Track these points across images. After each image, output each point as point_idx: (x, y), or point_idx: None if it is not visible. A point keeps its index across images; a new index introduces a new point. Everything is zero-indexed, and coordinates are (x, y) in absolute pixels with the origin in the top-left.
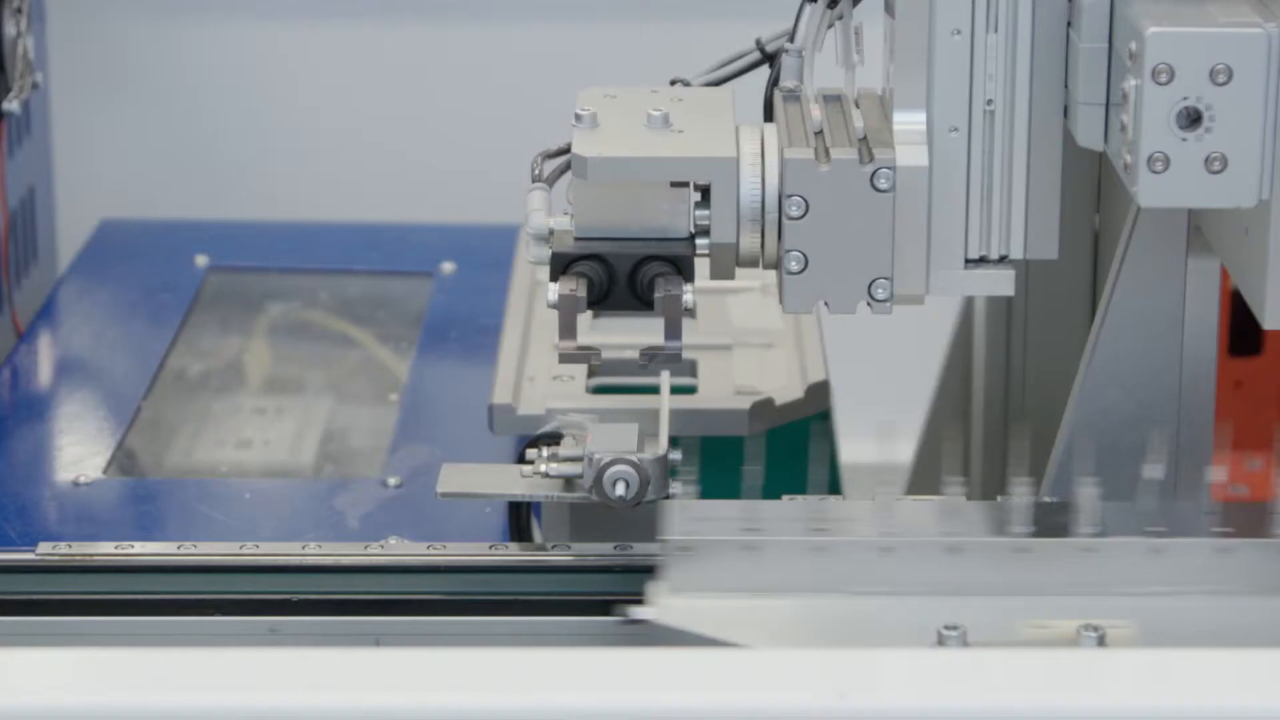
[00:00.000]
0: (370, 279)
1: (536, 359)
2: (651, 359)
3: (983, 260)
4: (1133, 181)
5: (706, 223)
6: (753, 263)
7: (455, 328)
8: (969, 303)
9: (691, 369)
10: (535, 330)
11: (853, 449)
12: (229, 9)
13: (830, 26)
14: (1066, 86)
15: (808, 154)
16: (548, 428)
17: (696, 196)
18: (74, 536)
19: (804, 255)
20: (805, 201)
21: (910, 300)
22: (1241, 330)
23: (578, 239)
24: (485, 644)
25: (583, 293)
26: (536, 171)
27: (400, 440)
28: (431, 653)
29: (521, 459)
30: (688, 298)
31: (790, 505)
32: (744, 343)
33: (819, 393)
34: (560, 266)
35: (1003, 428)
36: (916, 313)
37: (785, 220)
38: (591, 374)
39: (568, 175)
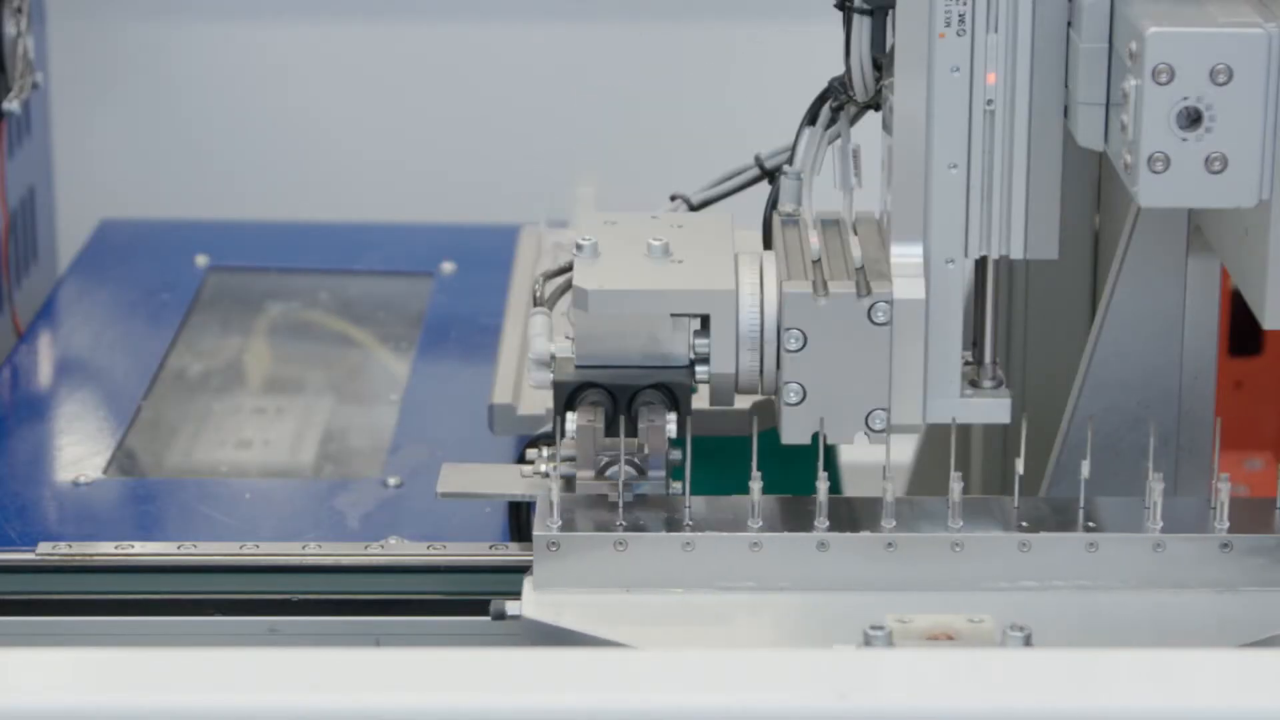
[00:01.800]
0: (370, 279)
1: None
2: (629, 487)
3: (976, 385)
4: (1133, 181)
5: (706, 351)
6: (752, 390)
7: (455, 328)
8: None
9: None
10: None
11: (853, 449)
12: (229, 9)
13: (830, 144)
14: (1066, 86)
15: (806, 288)
16: (548, 428)
17: (696, 325)
18: (74, 536)
19: (802, 387)
20: (804, 334)
21: (907, 430)
22: (1241, 330)
23: (579, 367)
24: (485, 644)
25: (600, 423)
26: (537, 293)
27: (400, 440)
28: (431, 653)
29: (521, 459)
30: (670, 428)
31: (662, 501)
32: None
33: None
34: (564, 395)
35: (1003, 427)
36: None
37: (784, 353)
38: None
39: (568, 295)
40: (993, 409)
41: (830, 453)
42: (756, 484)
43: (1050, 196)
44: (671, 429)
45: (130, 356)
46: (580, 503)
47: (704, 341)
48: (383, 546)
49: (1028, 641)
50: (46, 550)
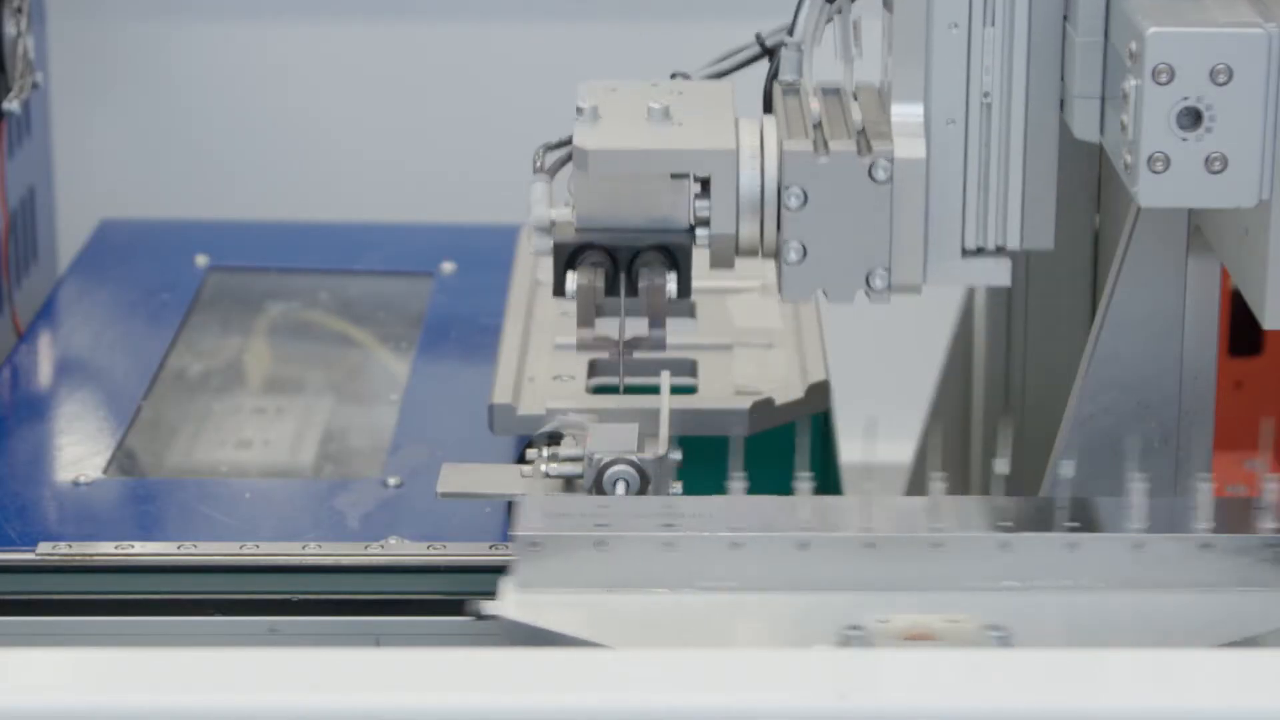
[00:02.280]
0: (370, 279)
1: (536, 359)
2: (633, 349)
3: (980, 251)
4: (1133, 181)
5: (706, 213)
6: (752, 252)
7: (455, 328)
8: (969, 302)
9: (691, 369)
10: (535, 330)
11: (853, 449)
12: (229, 9)
13: (829, 21)
14: (1063, 79)
15: (806, 146)
16: (548, 428)
17: (696, 188)
18: (74, 536)
19: (802, 245)
20: (804, 193)
21: (908, 290)
22: (1241, 330)
23: (579, 229)
24: (485, 644)
25: (600, 282)
26: (538, 163)
27: (400, 440)
28: (431, 653)
29: (521, 459)
30: (670, 286)
31: (642, 501)
32: (744, 343)
33: (819, 393)
34: (563, 257)
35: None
36: (916, 312)
37: (784, 211)
38: (592, 374)
39: (569, 167)
40: (993, 271)
41: (830, 453)
42: (738, 484)
43: (1046, 188)
44: (672, 288)
45: (130, 356)
46: (561, 503)
47: (704, 204)
48: (383, 546)
49: (1005, 642)
50: (46, 550)
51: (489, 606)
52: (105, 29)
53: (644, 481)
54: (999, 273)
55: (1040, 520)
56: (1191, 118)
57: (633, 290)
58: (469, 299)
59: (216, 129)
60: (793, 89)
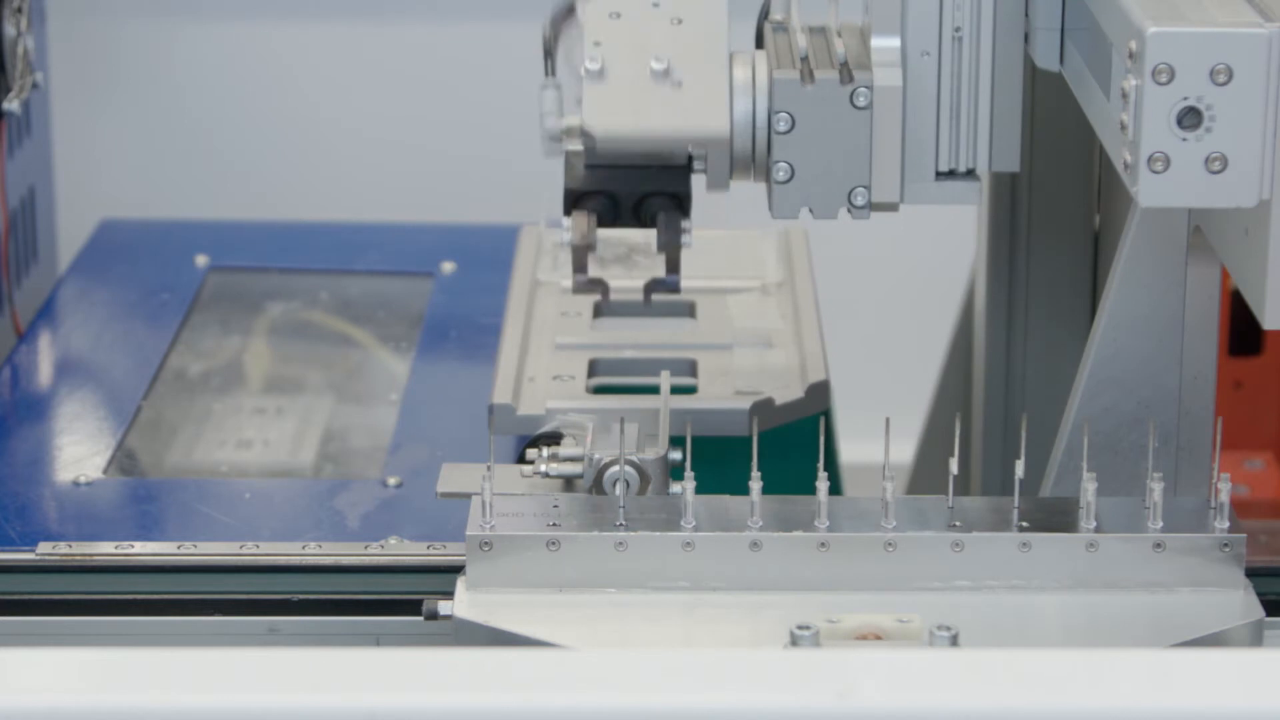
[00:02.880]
0: (370, 279)
1: (536, 359)
2: (652, 291)
3: (952, 174)
4: (1133, 181)
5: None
6: (745, 173)
7: (455, 328)
8: (969, 302)
9: (691, 369)
10: (535, 330)
11: (853, 449)
12: (229, 9)
13: None
14: (1026, 15)
15: (794, 75)
16: (548, 428)
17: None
18: (74, 536)
19: (790, 166)
20: (791, 118)
21: (885, 208)
22: (1241, 330)
23: (588, 167)
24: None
25: (594, 235)
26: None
27: (400, 440)
28: (431, 653)
29: (521, 459)
30: (686, 235)
31: (593, 500)
32: (744, 343)
33: (819, 393)
34: (571, 201)
35: (1003, 427)
36: (917, 313)
37: (773, 134)
38: (592, 374)
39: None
40: (963, 191)
41: (830, 453)
42: (690, 483)
43: (1012, 115)
44: (688, 238)
45: (130, 356)
46: (514, 503)
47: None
48: (383, 546)
49: (954, 641)
50: (46, 550)
51: (444, 606)
52: (105, 29)
53: (644, 481)
54: (968, 193)
55: (993, 520)
56: (1191, 118)
57: (640, 223)
58: (469, 299)
59: (216, 129)
60: (782, 27)
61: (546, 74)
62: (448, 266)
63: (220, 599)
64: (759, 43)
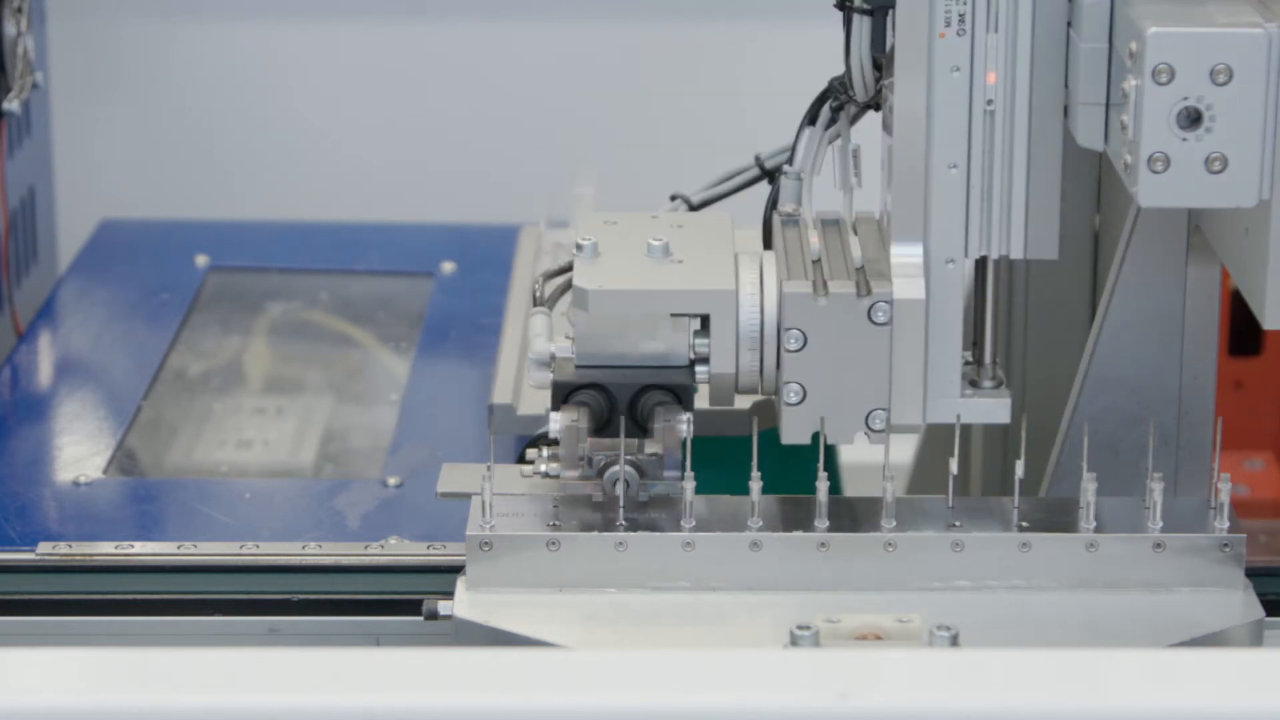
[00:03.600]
0: (370, 279)
1: None
2: (646, 487)
3: (975, 385)
4: (1133, 181)
5: (706, 350)
6: (752, 390)
7: (455, 328)
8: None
9: None
10: None
11: (853, 449)
12: (229, 9)
13: (830, 144)
14: (1066, 86)
15: (806, 287)
16: (547, 428)
17: (696, 324)
18: (74, 536)
19: (802, 387)
20: (804, 334)
21: (907, 430)
22: (1241, 330)
23: (579, 367)
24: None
25: (584, 423)
26: (537, 293)
27: (400, 440)
28: (431, 653)
29: (521, 459)
30: (683, 428)
31: (593, 500)
32: None
33: None
34: (562, 395)
35: (1003, 427)
36: None
37: (784, 352)
38: None
39: (568, 295)
40: (993, 409)
41: (830, 453)
42: (690, 483)
43: (1050, 196)
44: (685, 429)
45: (130, 356)
46: (514, 503)
47: (704, 341)
48: (383, 546)
49: (954, 641)
50: (46, 550)
51: (444, 606)
52: (105, 29)
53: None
54: (998, 410)
55: (993, 521)
56: (1191, 118)
57: (636, 426)
58: (469, 299)
59: (216, 129)
60: (792, 220)
61: (535, 301)
62: (448, 266)
63: (220, 599)
64: (766, 236)
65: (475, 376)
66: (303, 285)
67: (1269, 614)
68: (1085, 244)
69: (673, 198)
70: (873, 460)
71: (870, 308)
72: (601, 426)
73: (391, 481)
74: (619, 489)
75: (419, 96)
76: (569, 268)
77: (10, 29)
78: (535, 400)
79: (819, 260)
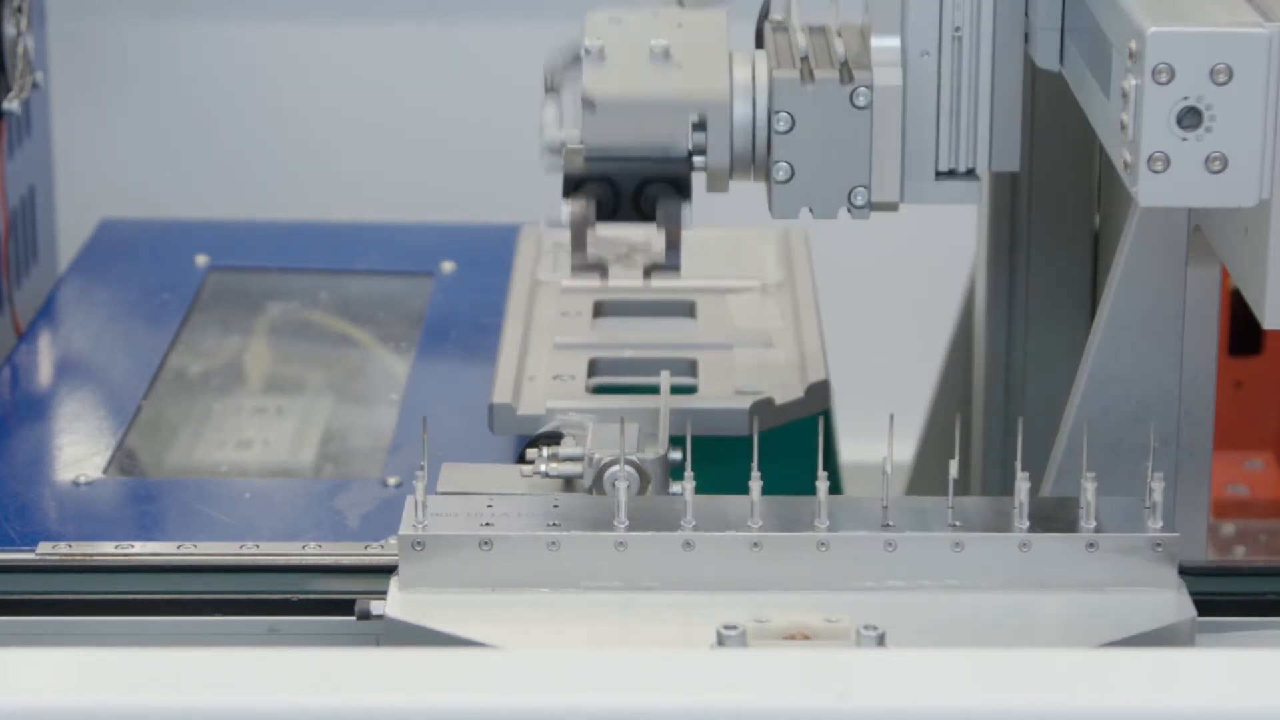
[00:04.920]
0: (370, 279)
1: (536, 359)
2: (651, 273)
3: (951, 174)
4: (1133, 181)
5: (704, 143)
6: (745, 173)
7: (455, 328)
8: (969, 302)
9: (691, 369)
10: (535, 330)
11: (853, 449)
12: (229, 9)
13: None
14: (1026, 15)
15: (794, 75)
16: (548, 428)
17: (695, 118)
18: (74, 536)
19: (790, 165)
20: (791, 117)
21: (885, 207)
22: (1241, 330)
23: (587, 159)
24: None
25: (593, 212)
26: (549, 81)
27: (400, 440)
28: (431, 653)
29: (521, 459)
30: (686, 215)
31: (528, 501)
32: (744, 343)
33: (819, 393)
34: (571, 186)
35: (1003, 427)
36: (916, 313)
37: (773, 134)
38: (592, 374)
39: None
40: (964, 191)
41: (830, 453)
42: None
43: (1012, 114)
44: (687, 216)
45: (130, 356)
46: (449, 503)
47: (701, 136)
48: (383, 546)
49: (881, 641)
50: (46, 550)
51: (375, 606)
52: (105, 29)
53: (644, 481)
54: (969, 193)
55: (926, 520)
56: (1191, 118)
57: (639, 214)
58: (469, 299)
59: (216, 129)
60: (782, 27)
61: (547, 89)
62: (448, 266)
63: (220, 599)
64: (759, 42)
65: (475, 376)
66: (303, 285)
67: (1270, 614)
68: (1085, 244)
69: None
70: (873, 460)
71: (852, 93)
72: (607, 215)
73: (391, 481)
74: (620, 489)
75: (419, 96)
76: (578, 56)
77: (10, 29)
78: (535, 400)
79: (806, 56)
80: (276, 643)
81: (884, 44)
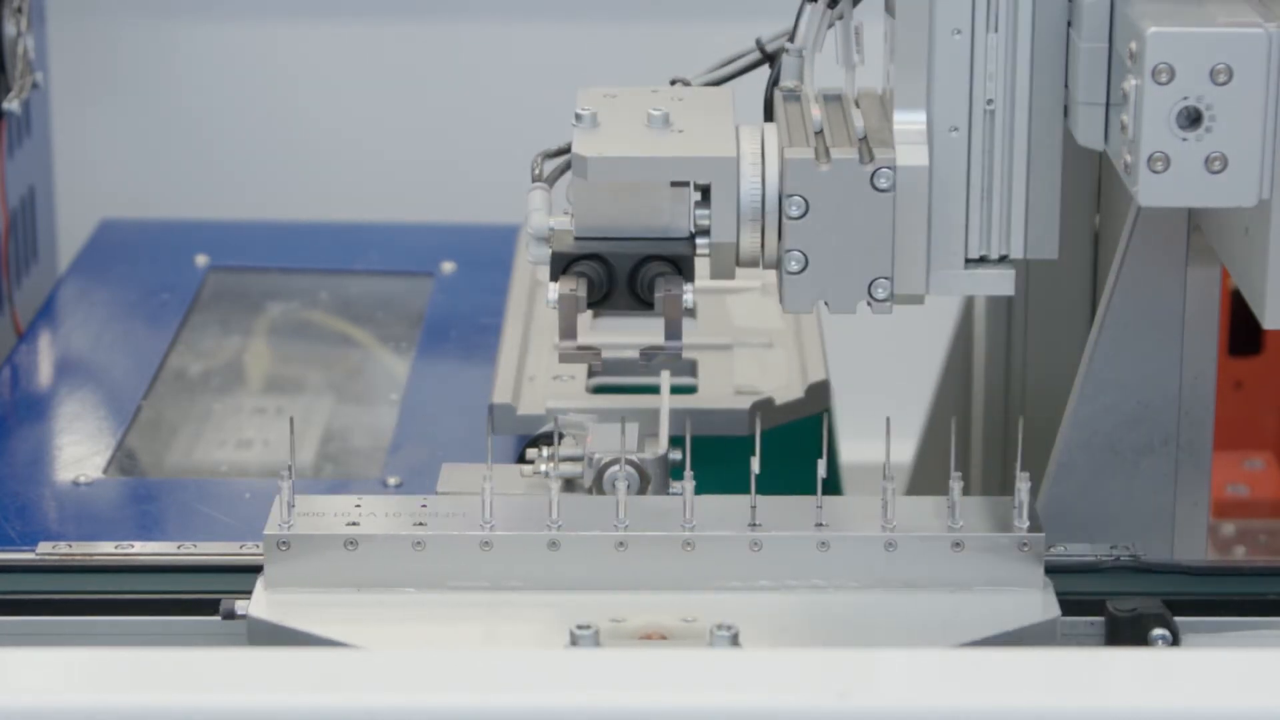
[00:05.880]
0: (370, 279)
1: (536, 359)
2: (652, 358)
3: (983, 260)
4: (1133, 181)
5: (707, 222)
6: (753, 262)
7: (455, 328)
8: (969, 303)
9: (691, 369)
10: (535, 330)
11: (853, 449)
12: (229, 9)
13: (830, 26)
14: (1066, 86)
15: (808, 153)
16: (548, 428)
17: (697, 196)
18: (74, 536)
19: (804, 255)
20: (805, 201)
21: (910, 300)
22: (1241, 330)
23: (578, 239)
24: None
25: (583, 292)
26: (536, 171)
27: (400, 440)
28: (431, 653)
29: (521, 459)
30: (688, 297)
31: (395, 501)
32: (744, 343)
33: (819, 393)
34: (560, 266)
35: (1003, 427)
36: (916, 313)
37: (785, 220)
38: (592, 374)
39: (568, 175)
40: (996, 281)
41: (830, 452)
42: (489, 482)
43: (1050, 196)
44: (689, 297)
45: (130, 356)
46: (316, 502)
47: (704, 213)
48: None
49: (735, 640)
50: (46, 550)
51: (240, 606)
52: (105, 29)
53: (644, 481)
54: (1002, 283)
55: (793, 520)
56: (1191, 118)
57: (636, 299)
58: (469, 299)
59: (216, 129)
60: (794, 95)
61: (534, 178)
62: (448, 266)
63: (220, 599)
64: (768, 113)
65: (475, 376)
66: (303, 285)
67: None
68: (1085, 244)
69: (673, 82)
70: (873, 460)
71: (873, 174)
72: (600, 299)
73: (391, 481)
74: (619, 489)
75: (419, 96)
76: (568, 149)
77: (10, 29)
78: (535, 400)
79: (821, 130)
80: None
81: (908, 119)
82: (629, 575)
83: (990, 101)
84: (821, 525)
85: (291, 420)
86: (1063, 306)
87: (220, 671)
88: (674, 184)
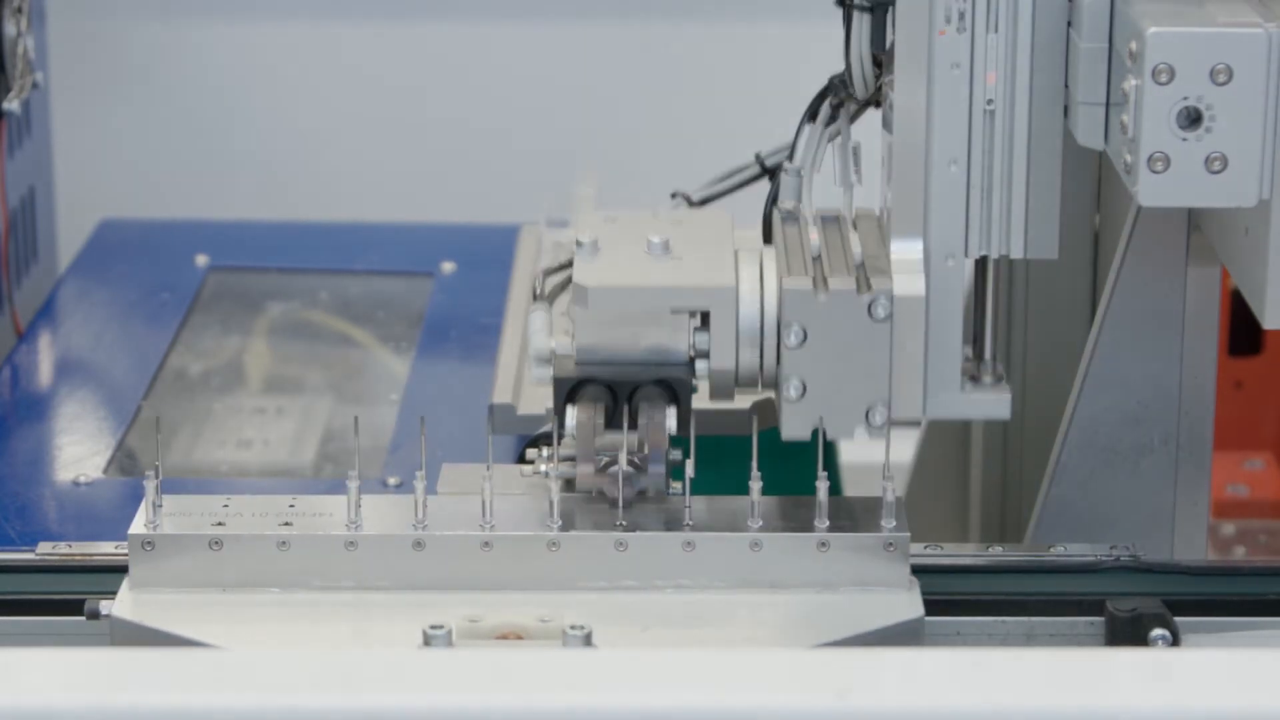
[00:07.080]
0: (370, 279)
1: None
2: (631, 484)
3: (977, 381)
4: (1133, 181)
5: (706, 347)
6: (752, 385)
7: (455, 328)
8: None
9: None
10: None
11: (853, 449)
12: (229, 9)
13: (830, 142)
14: (1066, 86)
15: (806, 283)
16: (548, 428)
17: (696, 321)
18: (74, 536)
19: (802, 382)
20: (804, 330)
21: (907, 424)
22: (1241, 330)
23: (579, 363)
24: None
25: (600, 418)
26: (537, 289)
27: (400, 440)
28: (431, 653)
29: (521, 459)
30: (670, 424)
31: (262, 501)
32: None
33: None
34: (564, 392)
35: (1003, 427)
36: None
37: (784, 348)
38: None
39: (568, 292)
40: (993, 405)
41: (830, 452)
42: (353, 483)
43: (1050, 196)
44: (671, 424)
45: (130, 356)
46: (181, 502)
47: (704, 337)
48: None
49: (588, 640)
50: (46, 550)
51: (104, 606)
52: (105, 29)
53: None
54: (999, 406)
55: (659, 520)
56: (1191, 118)
57: (633, 423)
58: (469, 299)
59: (216, 129)
60: (792, 216)
61: (535, 297)
62: (448, 266)
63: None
64: (766, 233)
65: (475, 376)
66: (303, 285)
67: (1265, 614)
68: (1085, 244)
69: (673, 195)
70: (873, 460)
71: (870, 303)
72: (605, 421)
73: (391, 481)
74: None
75: (418, 96)
76: (569, 264)
77: (10, 29)
78: (535, 400)
79: (819, 256)
80: None
81: (905, 247)
82: (494, 575)
83: (990, 101)
84: (689, 526)
85: (158, 420)
86: (1063, 306)
87: (220, 671)
88: (673, 311)
